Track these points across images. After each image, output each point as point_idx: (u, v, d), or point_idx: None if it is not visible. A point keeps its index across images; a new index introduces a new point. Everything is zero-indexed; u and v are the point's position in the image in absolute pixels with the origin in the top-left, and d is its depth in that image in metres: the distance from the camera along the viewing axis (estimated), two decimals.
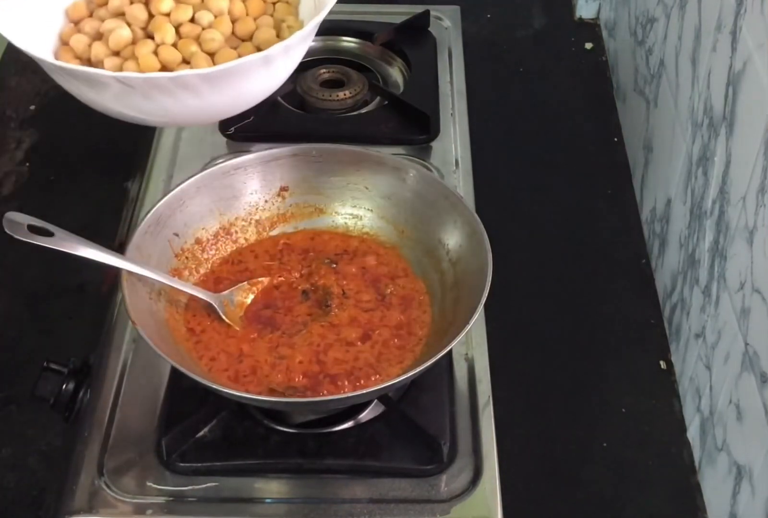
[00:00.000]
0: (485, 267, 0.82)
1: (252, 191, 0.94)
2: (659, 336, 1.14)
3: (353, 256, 0.93)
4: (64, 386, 0.88)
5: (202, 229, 0.92)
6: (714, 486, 0.97)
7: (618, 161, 1.34)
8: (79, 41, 0.75)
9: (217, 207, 0.93)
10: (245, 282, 0.89)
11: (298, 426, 0.85)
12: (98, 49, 0.74)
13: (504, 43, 1.52)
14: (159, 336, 0.81)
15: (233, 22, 0.75)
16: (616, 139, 1.37)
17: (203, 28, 0.74)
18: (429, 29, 1.28)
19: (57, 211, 1.27)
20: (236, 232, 0.94)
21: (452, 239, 0.90)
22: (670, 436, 1.05)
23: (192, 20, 0.74)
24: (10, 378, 1.07)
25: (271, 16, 0.78)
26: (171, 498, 0.82)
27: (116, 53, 0.74)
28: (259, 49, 0.75)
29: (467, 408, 0.88)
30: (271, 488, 0.83)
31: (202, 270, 0.91)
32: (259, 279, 0.90)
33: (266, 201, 0.95)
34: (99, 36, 0.76)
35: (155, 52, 0.73)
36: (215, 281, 0.91)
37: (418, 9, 1.29)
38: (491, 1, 1.60)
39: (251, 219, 0.94)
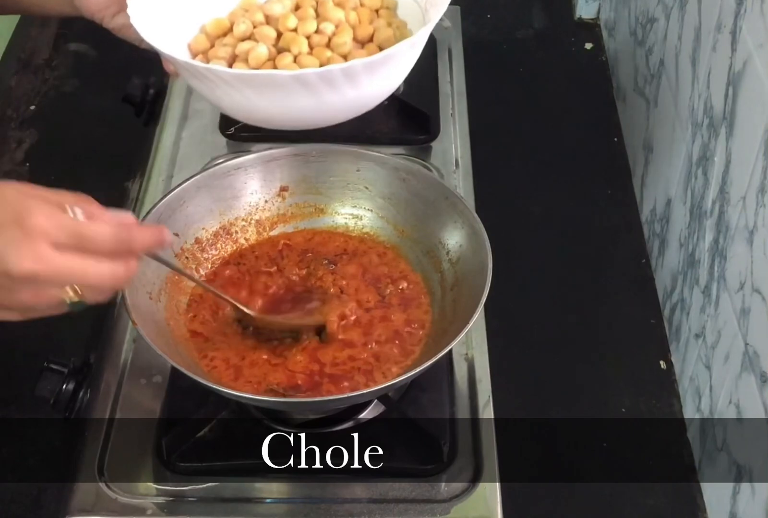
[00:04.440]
0: (485, 267, 0.82)
1: (252, 191, 0.94)
2: (659, 336, 1.14)
3: (353, 256, 0.93)
4: (64, 386, 0.87)
5: (202, 229, 0.92)
6: (714, 486, 0.97)
7: (618, 161, 1.34)
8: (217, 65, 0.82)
9: (217, 207, 0.92)
10: None
11: (298, 426, 0.85)
12: (240, 67, 0.81)
13: (504, 43, 1.52)
14: (159, 336, 0.81)
15: (352, 29, 0.83)
16: (616, 139, 1.37)
17: (329, 37, 0.81)
18: None
19: None
20: (236, 232, 0.94)
21: (452, 239, 0.89)
22: (670, 436, 1.05)
23: (317, 32, 0.82)
24: (10, 378, 1.07)
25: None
26: (171, 498, 0.82)
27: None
28: (381, 48, 0.82)
29: (467, 408, 0.88)
30: (271, 488, 0.83)
31: (202, 271, 0.91)
32: None
33: (266, 201, 0.95)
34: (233, 59, 0.82)
35: (295, 62, 0.80)
36: (215, 281, 0.91)
37: None
38: (491, 1, 1.60)
39: (251, 219, 0.94)
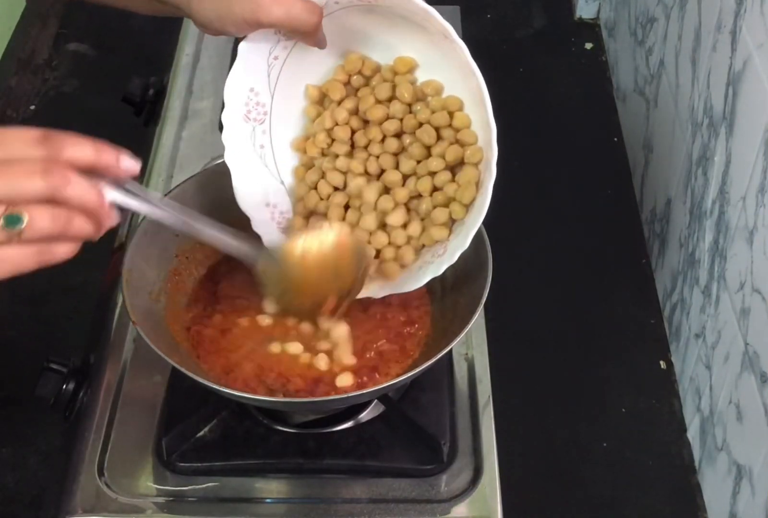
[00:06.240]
0: (485, 268, 0.82)
1: None
2: (659, 336, 1.14)
3: None
4: (64, 386, 0.87)
5: None
6: (714, 486, 0.97)
7: (618, 161, 1.34)
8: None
9: (218, 207, 0.92)
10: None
11: (298, 426, 0.85)
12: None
13: (504, 43, 1.52)
14: (159, 336, 0.80)
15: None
16: (616, 139, 1.37)
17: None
18: None
19: None
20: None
21: None
22: (670, 436, 1.05)
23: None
24: (10, 378, 1.07)
25: (453, 181, 0.82)
26: (171, 498, 0.82)
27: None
28: (428, 243, 0.82)
29: (467, 408, 0.88)
30: (271, 488, 0.83)
31: (202, 271, 0.91)
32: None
33: None
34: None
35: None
36: (214, 282, 0.91)
37: None
38: (491, 1, 1.60)
39: None
